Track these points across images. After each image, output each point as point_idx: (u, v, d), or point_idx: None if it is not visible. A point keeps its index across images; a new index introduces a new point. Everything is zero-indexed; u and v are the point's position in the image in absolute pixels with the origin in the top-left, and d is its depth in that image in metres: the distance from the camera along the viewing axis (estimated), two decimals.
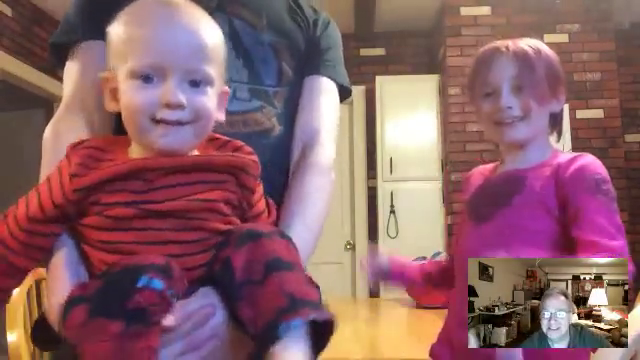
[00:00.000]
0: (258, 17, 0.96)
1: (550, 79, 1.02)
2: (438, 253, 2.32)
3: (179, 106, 0.68)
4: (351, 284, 4.07)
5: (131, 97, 0.70)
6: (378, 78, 3.90)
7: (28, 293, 1.25)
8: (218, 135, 0.79)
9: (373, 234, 3.99)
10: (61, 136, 0.84)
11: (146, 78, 0.69)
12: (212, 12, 0.89)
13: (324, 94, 1.01)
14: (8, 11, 3.58)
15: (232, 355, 0.70)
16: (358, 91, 4.13)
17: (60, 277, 0.70)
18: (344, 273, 4.08)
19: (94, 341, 0.59)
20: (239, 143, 0.79)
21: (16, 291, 1.24)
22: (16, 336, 1.17)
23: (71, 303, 0.64)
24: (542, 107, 1.02)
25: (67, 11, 0.95)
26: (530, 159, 1.03)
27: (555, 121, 1.08)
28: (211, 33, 0.73)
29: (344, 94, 1.07)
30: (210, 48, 0.72)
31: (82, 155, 0.71)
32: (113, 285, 0.62)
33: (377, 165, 3.88)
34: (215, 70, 0.72)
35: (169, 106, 0.68)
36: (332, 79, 1.03)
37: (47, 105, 4.18)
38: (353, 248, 4.15)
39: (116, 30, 0.72)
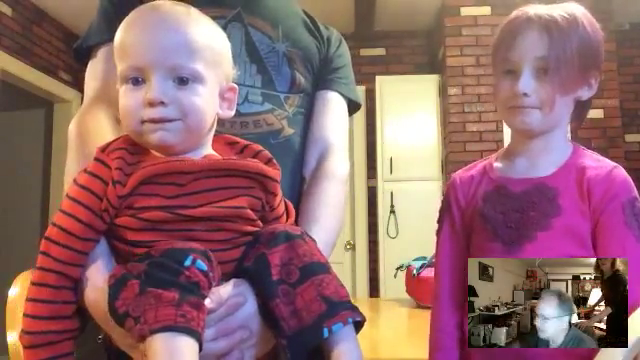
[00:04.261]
0: (274, 28, 1.01)
1: (584, 59, 0.88)
2: None
3: (160, 103, 0.69)
4: (351, 284, 4.07)
5: (121, 101, 0.72)
6: (378, 78, 3.90)
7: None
8: (236, 138, 0.82)
9: (373, 234, 3.99)
10: (87, 130, 0.87)
11: (135, 81, 0.71)
12: (229, 22, 0.96)
13: (335, 108, 1.06)
14: (8, 11, 3.58)
15: (258, 348, 0.72)
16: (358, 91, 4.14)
17: (99, 268, 0.71)
18: (344, 273, 4.08)
19: (155, 308, 0.60)
20: (258, 147, 0.80)
21: (15, 291, 1.25)
22: (16, 336, 1.17)
23: (120, 281, 0.65)
24: (567, 96, 0.89)
25: (92, 19, 1.02)
26: (550, 160, 0.90)
27: (580, 111, 0.94)
28: (199, 32, 0.73)
29: (354, 108, 1.12)
30: (195, 45, 0.72)
31: (118, 158, 0.72)
32: (160, 264, 0.64)
33: (377, 165, 3.88)
34: (205, 67, 0.73)
35: (151, 104, 0.70)
36: (342, 95, 1.07)
37: (47, 105, 4.18)
38: (353, 248, 4.15)
39: (114, 39, 0.75)
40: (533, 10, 0.90)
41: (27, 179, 4.16)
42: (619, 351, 0.70)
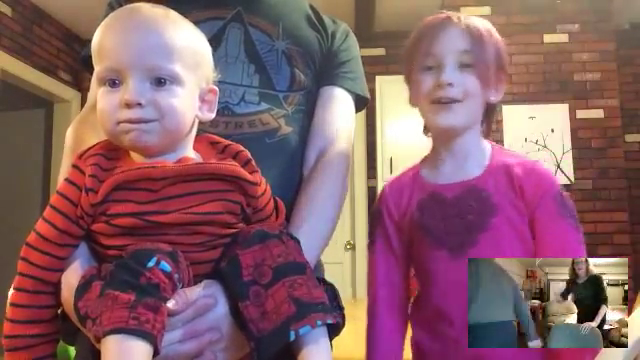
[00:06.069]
0: (274, 26, 0.99)
1: (497, 63, 0.92)
2: None
3: (137, 104, 0.69)
4: (351, 284, 4.07)
5: (99, 104, 0.72)
6: (378, 78, 3.91)
7: None
8: (219, 138, 0.80)
9: None
10: (82, 138, 0.87)
11: (112, 83, 0.71)
12: (228, 22, 0.96)
13: (339, 104, 1.03)
14: (8, 11, 3.58)
15: (232, 351, 0.71)
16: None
17: (76, 268, 0.72)
18: (344, 273, 4.08)
19: (110, 310, 0.60)
20: (238, 148, 0.79)
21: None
22: None
23: (86, 282, 0.66)
24: (484, 92, 0.91)
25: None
26: (474, 161, 0.92)
27: (488, 114, 0.96)
28: (176, 34, 0.73)
29: (362, 103, 1.10)
30: (172, 47, 0.71)
31: (93, 165, 0.72)
32: (124, 265, 0.64)
33: (377, 165, 3.88)
34: (183, 69, 0.72)
35: (128, 105, 0.69)
36: (347, 90, 1.05)
37: (47, 105, 4.18)
38: (353, 248, 4.15)
39: (92, 42, 0.74)
40: (451, 14, 0.93)
41: (27, 179, 4.16)
42: (620, 351, 0.70)
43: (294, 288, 0.66)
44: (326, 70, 1.03)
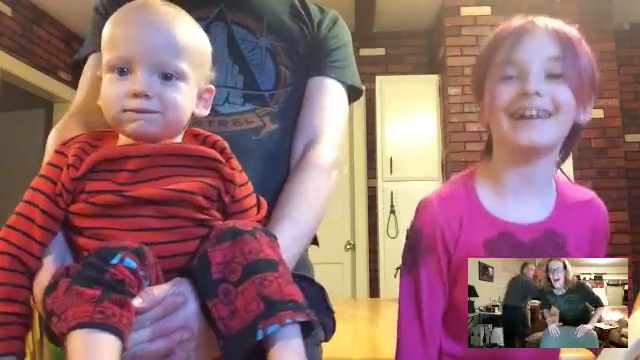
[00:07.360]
0: (258, 21, 0.98)
1: (589, 77, 0.80)
2: None
3: (145, 95, 0.72)
4: (351, 284, 4.07)
5: (105, 90, 0.75)
6: (378, 78, 3.90)
7: None
8: (200, 130, 0.83)
9: (373, 234, 3.99)
10: (65, 137, 0.86)
11: (121, 72, 0.74)
12: (212, 22, 0.95)
13: (327, 95, 0.99)
14: (8, 11, 3.59)
15: (204, 350, 0.70)
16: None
17: (47, 267, 0.72)
18: (344, 273, 4.08)
19: (75, 305, 0.60)
20: (216, 138, 0.81)
21: None
22: None
23: (55, 281, 0.66)
24: (576, 107, 0.79)
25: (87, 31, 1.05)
26: (545, 195, 0.83)
27: (571, 137, 0.84)
28: (187, 34, 0.77)
29: (355, 94, 1.05)
30: (182, 45, 0.75)
31: (76, 148, 0.75)
32: (89, 263, 0.64)
33: (377, 165, 3.88)
34: (189, 67, 0.76)
35: (135, 95, 0.72)
36: (337, 80, 1.01)
37: (47, 105, 4.18)
38: (353, 248, 4.15)
39: (103, 33, 0.78)
40: (534, 18, 0.82)
41: (27, 179, 4.15)
42: (620, 351, 0.70)
43: (263, 286, 0.65)
44: (314, 60, 1.00)
